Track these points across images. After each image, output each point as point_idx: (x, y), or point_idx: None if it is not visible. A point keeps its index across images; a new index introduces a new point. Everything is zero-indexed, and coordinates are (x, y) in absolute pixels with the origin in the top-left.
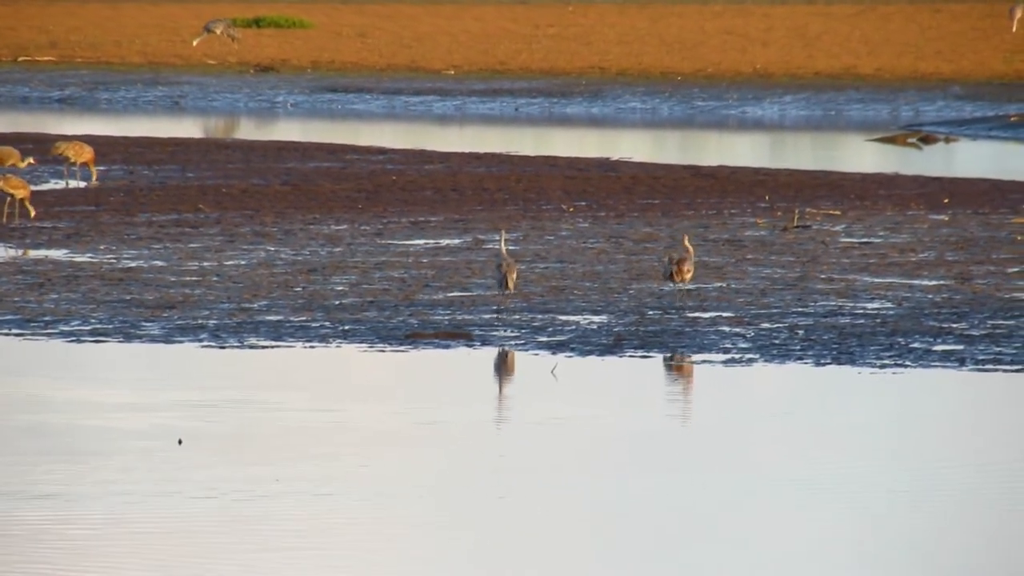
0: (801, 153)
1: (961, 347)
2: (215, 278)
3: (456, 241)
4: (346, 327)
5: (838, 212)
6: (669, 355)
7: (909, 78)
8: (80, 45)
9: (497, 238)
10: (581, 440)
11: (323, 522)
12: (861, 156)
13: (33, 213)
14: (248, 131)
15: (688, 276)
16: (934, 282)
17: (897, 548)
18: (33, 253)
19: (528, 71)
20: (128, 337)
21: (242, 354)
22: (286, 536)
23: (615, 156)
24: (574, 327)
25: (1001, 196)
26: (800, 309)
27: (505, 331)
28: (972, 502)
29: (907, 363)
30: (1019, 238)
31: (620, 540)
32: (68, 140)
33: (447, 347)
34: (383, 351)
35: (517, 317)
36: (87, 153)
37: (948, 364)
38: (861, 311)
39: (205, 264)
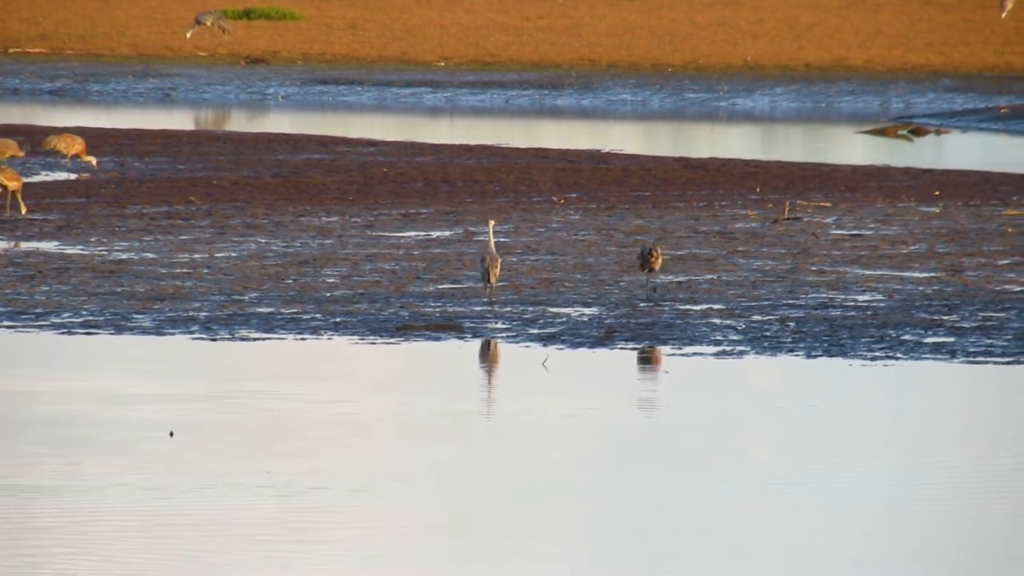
0: (792, 145)
1: (952, 339)
2: (206, 270)
3: (447, 233)
4: (337, 319)
5: (829, 204)
6: (644, 349)
7: (900, 70)
8: (71, 37)
9: (486, 229)
10: (572, 433)
11: (313, 514)
12: (852, 148)
13: (24, 210)
14: (239, 123)
15: (659, 264)
16: (925, 274)
17: (889, 542)
18: (24, 245)
19: (519, 63)
20: (119, 329)
21: (233, 346)
22: (275, 528)
23: (606, 148)
24: (565, 319)
25: (992, 188)
26: (791, 301)
27: (496, 323)
28: (963, 495)
29: (898, 355)
30: (1010, 230)
31: (612, 534)
32: (59, 134)
33: (438, 339)
34: (374, 343)
35: (508, 309)
36: (78, 145)
37: (939, 356)
38: (852, 303)
39: (196, 256)
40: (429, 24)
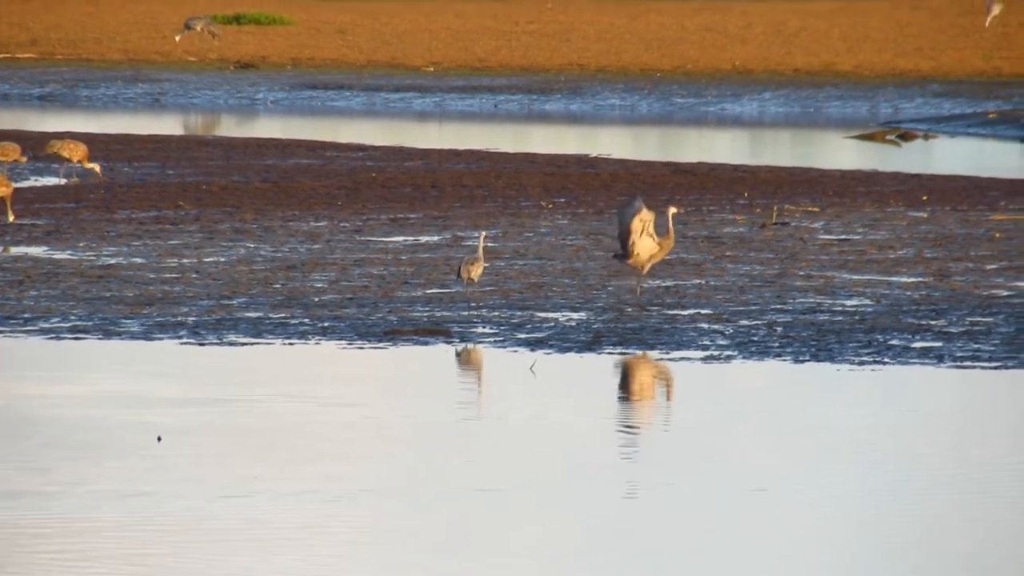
0: (780, 150)
1: (940, 344)
2: (195, 275)
3: (435, 238)
4: (325, 324)
5: (817, 209)
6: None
7: (888, 75)
8: (61, 42)
9: (476, 235)
10: (560, 438)
11: (300, 519)
12: (840, 153)
13: (12, 217)
14: (228, 128)
15: (638, 252)
16: (913, 279)
17: (876, 547)
18: (13, 250)
19: (508, 68)
20: (107, 334)
21: (221, 351)
22: (263, 534)
23: (594, 153)
24: (553, 324)
25: (980, 193)
26: (779, 306)
27: (484, 328)
28: (953, 500)
29: (886, 360)
30: (997, 235)
31: (599, 539)
32: (61, 139)
33: (426, 344)
34: (362, 348)
35: (496, 314)
36: (80, 151)
37: (927, 361)
38: (840, 308)
39: (185, 261)
40: (418, 29)
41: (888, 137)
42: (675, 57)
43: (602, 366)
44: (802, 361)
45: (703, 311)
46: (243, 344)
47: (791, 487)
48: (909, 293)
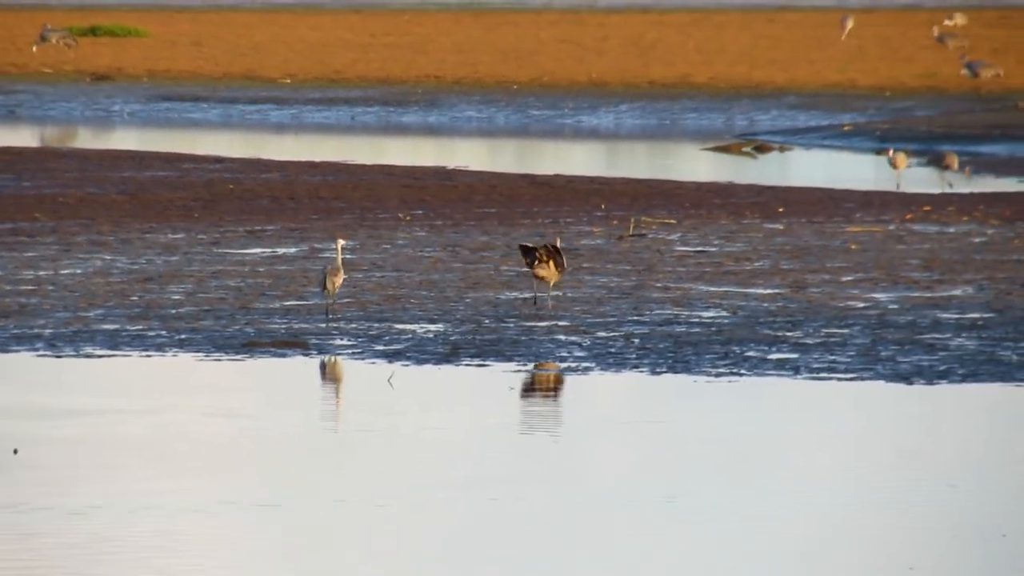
0: (637, 162)
1: (796, 356)
2: (51, 287)
3: (292, 250)
4: (182, 336)
5: (673, 221)
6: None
7: (744, 87)
8: None
9: (334, 247)
10: (418, 449)
11: (150, 532)
12: (696, 165)
13: None
14: (84, 140)
15: (542, 272)
16: (769, 291)
17: (731, 558)
18: None
19: (364, 80)
20: None
21: (78, 363)
22: (110, 547)
23: (451, 165)
24: (411, 336)
25: (835, 205)
26: (636, 318)
27: (341, 340)
28: (813, 509)
29: (742, 372)
30: (853, 247)
31: (457, 549)
32: None
33: (284, 356)
34: (220, 360)
35: (353, 326)
36: None
37: (783, 372)
38: (697, 320)
39: (41, 273)
40: (275, 41)
41: (744, 149)
42: (531, 69)
43: (459, 378)
44: (659, 372)
45: (561, 323)
46: (100, 356)
47: (649, 498)
48: (766, 305)
